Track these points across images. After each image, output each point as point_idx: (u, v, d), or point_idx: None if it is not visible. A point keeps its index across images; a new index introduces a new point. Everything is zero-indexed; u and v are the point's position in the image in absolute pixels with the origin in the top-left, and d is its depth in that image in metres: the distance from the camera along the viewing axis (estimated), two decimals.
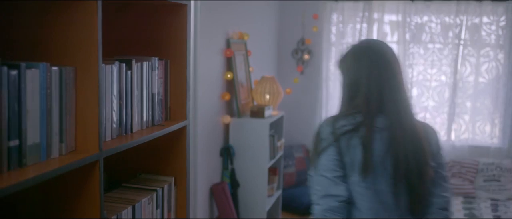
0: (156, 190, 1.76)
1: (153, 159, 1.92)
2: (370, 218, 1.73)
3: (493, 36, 5.30)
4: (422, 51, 5.48)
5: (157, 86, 1.79)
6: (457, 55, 5.36)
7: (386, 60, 1.81)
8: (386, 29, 5.60)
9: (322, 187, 1.74)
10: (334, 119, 1.80)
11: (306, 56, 5.76)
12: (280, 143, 4.55)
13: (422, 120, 1.92)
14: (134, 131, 1.65)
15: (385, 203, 1.73)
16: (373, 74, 1.78)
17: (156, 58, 1.77)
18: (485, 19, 5.29)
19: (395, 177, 1.71)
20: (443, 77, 5.49)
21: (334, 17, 5.67)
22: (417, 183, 1.72)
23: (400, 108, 1.77)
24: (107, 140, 1.49)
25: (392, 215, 1.74)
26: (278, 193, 4.62)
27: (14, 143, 1.14)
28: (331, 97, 5.75)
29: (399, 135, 1.73)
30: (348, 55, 1.88)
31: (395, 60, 1.83)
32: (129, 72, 1.60)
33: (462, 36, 5.32)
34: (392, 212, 1.74)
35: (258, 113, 4.05)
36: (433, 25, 5.42)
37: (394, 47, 5.58)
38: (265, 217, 4.09)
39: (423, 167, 1.73)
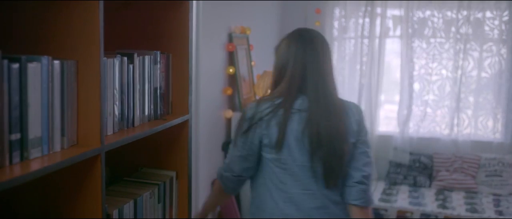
0: (157, 185, 1.76)
1: (155, 153, 1.92)
2: (290, 190, 1.92)
3: (496, 31, 5.28)
4: (424, 45, 5.47)
5: (159, 80, 1.78)
6: (459, 49, 5.35)
7: (313, 47, 1.97)
8: (389, 23, 5.58)
9: (229, 158, 2.03)
10: (258, 103, 1.97)
11: None
12: None
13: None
14: (136, 125, 1.64)
15: (304, 177, 1.91)
16: (298, 60, 1.95)
17: (158, 52, 1.76)
18: (488, 14, 5.28)
19: (311, 153, 1.87)
20: (443, 71, 5.48)
21: (337, 11, 5.66)
22: (332, 158, 1.88)
23: (320, 90, 1.92)
24: (109, 134, 1.49)
25: (310, 188, 1.91)
26: None
27: (16, 136, 1.13)
28: None
29: (315, 114, 1.89)
30: (281, 43, 2.05)
31: (323, 47, 1.99)
32: (131, 66, 1.59)
33: (465, 31, 5.31)
34: (310, 185, 1.92)
35: None
36: (435, 19, 5.41)
37: (397, 41, 5.58)
38: None
39: (338, 143, 1.88)
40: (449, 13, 5.36)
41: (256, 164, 1.99)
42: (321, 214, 1.93)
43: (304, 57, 1.95)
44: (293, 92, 1.92)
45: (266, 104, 1.93)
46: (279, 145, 1.88)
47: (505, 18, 5.22)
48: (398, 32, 5.57)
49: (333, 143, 1.88)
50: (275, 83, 2.01)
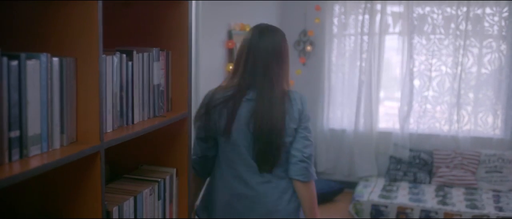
0: (157, 181, 1.76)
1: (155, 150, 1.92)
2: (238, 168, 2.18)
3: (495, 27, 5.28)
4: (424, 42, 5.47)
5: (159, 77, 1.78)
6: (459, 46, 5.35)
7: (264, 43, 2.16)
8: (389, 20, 5.58)
9: (193, 142, 2.22)
10: (213, 93, 2.21)
11: (308, 48, 5.75)
12: None
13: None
14: (135, 122, 1.64)
15: (249, 157, 2.16)
16: (250, 55, 2.16)
17: (158, 49, 1.76)
18: (487, 10, 5.27)
19: (255, 137, 2.12)
20: (443, 68, 5.48)
21: (336, 8, 5.66)
22: (269, 149, 2.13)
23: (266, 83, 2.13)
24: (108, 131, 1.49)
25: (254, 166, 2.16)
26: None
27: (15, 134, 1.13)
28: (334, 89, 5.74)
29: (260, 104, 2.12)
30: (243, 38, 2.26)
31: (275, 43, 2.17)
32: (130, 63, 1.59)
33: (465, 27, 5.30)
34: (254, 164, 2.16)
35: None
36: (435, 16, 5.40)
37: (396, 38, 5.57)
38: None
39: (277, 137, 2.11)
40: (448, 10, 5.36)
41: (215, 145, 2.24)
42: (266, 187, 2.18)
43: (255, 52, 2.16)
44: (244, 86, 2.15)
45: (220, 94, 2.17)
46: (227, 132, 2.14)
47: (505, 14, 5.22)
48: (397, 29, 5.56)
49: (272, 136, 2.11)
50: (233, 73, 2.23)
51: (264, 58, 2.15)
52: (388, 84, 5.90)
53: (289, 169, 2.18)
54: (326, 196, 5.35)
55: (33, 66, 1.18)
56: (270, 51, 2.16)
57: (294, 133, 2.15)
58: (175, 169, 1.90)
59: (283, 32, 2.26)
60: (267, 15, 5.29)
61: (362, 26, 5.52)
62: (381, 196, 4.93)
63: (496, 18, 5.26)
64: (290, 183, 2.20)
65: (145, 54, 1.68)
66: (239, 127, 2.13)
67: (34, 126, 1.19)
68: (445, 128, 5.56)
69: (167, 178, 1.83)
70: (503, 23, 5.24)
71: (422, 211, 4.67)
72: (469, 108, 5.49)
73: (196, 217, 2.34)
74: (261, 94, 2.13)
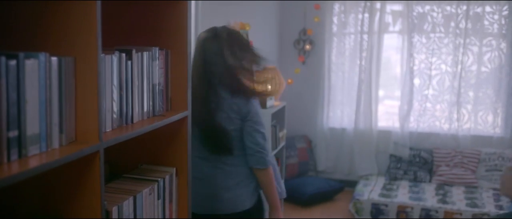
0: (157, 181, 1.76)
1: (154, 150, 1.92)
2: (193, 154, 2.36)
3: (495, 26, 5.28)
4: (424, 40, 5.47)
5: (158, 76, 1.78)
6: (458, 44, 5.35)
7: (205, 54, 2.37)
8: (389, 18, 5.57)
9: None
10: None
11: (307, 47, 5.74)
12: (282, 134, 4.55)
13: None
14: (134, 121, 1.64)
15: (199, 146, 2.41)
16: (195, 67, 2.36)
17: (157, 48, 1.76)
18: (487, 8, 5.27)
19: (203, 133, 2.38)
20: (443, 66, 5.48)
21: (336, 7, 5.65)
22: (217, 131, 2.37)
23: (209, 90, 2.37)
24: (108, 130, 1.48)
25: (204, 153, 2.43)
26: None
27: (14, 133, 1.13)
28: (333, 88, 5.74)
29: (199, 103, 2.33)
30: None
31: (222, 45, 2.37)
32: (129, 62, 1.59)
33: (464, 25, 5.30)
34: (204, 152, 2.43)
35: (259, 103, 4.03)
36: (434, 14, 5.40)
37: (396, 36, 5.57)
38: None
39: (225, 127, 2.36)
40: (448, 8, 5.35)
41: None
42: (213, 171, 2.44)
43: (197, 65, 2.37)
44: (193, 88, 2.28)
45: None
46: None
47: (505, 13, 5.21)
48: (397, 27, 5.56)
49: (219, 134, 2.37)
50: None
51: (197, 63, 2.36)
52: (388, 83, 5.90)
53: (247, 160, 2.45)
54: (326, 195, 5.35)
55: (32, 66, 1.17)
56: (213, 54, 2.36)
57: (240, 123, 2.40)
58: (174, 169, 1.89)
59: (230, 33, 2.42)
60: (267, 14, 5.29)
61: (362, 24, 5.52)
62: (381, 195, 4.92)
63: (496, 17, 5.26)
64: (242, 171, 2.46)
65: (145, 54, 1.68)
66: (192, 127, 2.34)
67: (32, 126, 1.18)
68: (445, 127, 5.55)
69: (167, 177, 1.83)
70: (503, 22, 5.24)
71: (422, 210, 4.67)
72: (469, 106, 5.49)
73: None
74: (202, 100, 2.35)
